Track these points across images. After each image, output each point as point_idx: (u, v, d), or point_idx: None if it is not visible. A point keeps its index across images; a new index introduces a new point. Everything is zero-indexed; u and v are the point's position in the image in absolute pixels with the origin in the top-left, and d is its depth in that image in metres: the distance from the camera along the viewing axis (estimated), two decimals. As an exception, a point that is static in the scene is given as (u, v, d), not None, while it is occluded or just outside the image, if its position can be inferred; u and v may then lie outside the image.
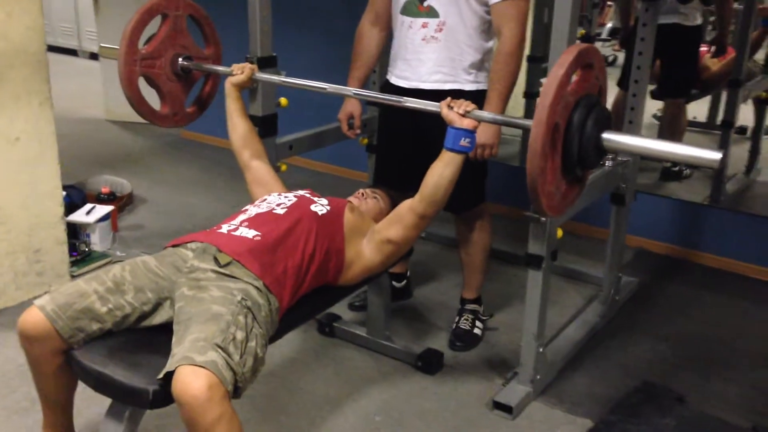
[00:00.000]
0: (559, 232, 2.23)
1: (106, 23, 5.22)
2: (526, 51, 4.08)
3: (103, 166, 4.33)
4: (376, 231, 2.09)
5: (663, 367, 2.58)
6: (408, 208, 2.03)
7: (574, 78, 1.64)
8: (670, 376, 2.50)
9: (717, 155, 1.56)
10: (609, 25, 5.94)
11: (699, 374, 2.54)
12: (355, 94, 2.26)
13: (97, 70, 5.67)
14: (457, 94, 2.38)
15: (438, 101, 2.39)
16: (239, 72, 2.32)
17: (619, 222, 2.80)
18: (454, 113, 1.88)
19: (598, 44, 5.15)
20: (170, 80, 2.38)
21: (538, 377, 2.35)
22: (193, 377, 1.48)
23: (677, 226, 3.54)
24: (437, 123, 2.43)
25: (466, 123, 1.88)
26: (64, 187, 2.96)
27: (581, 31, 3.90)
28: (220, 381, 1.50)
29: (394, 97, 2.12)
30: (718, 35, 4.31)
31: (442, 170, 1.93)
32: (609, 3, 5.51)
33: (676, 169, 4.06)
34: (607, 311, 2.85)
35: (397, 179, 2.53)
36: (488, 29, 2.39)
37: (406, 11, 2.41)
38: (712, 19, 4.38)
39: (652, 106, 4.49)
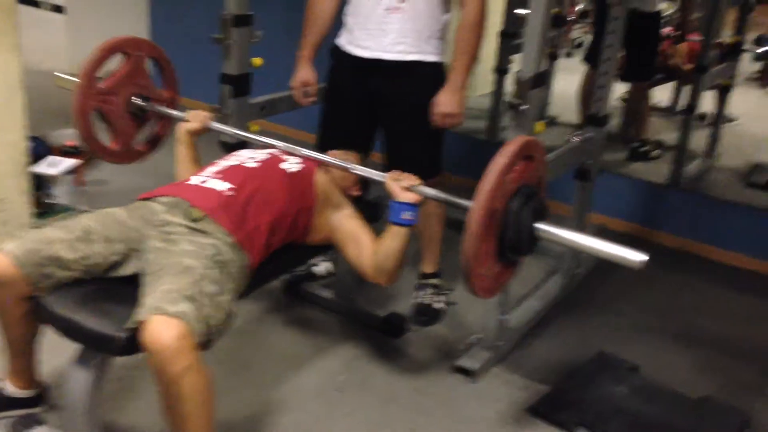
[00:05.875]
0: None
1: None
2: (498, 27, 4.15)
3: (66, 120, 4.22)
4: (344, 234, 2.06)
5: (618, 339, 2.66)
6: (368, 260, 1.98)
7: (516, 167, 1.69)
8: (624, 348, 2.58)
9: (641, 257, 1.64)
10: (580, 6, 6.00)
11: (653, 347, 2.64)
12: (304, 155, 2.13)
13: (60, 23, 5.52)
14: (419, 65, 2.40)
15: (400, 72, 2.40)
16: (194, 119, 2.24)
17: (583, 197, 2.87)
18: (397, 187, 1.87)
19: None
20: (123, 118, 2.37)
21: (499, 343, 2.41)
22: (164, 327, 1.49)
23: (637, 205, 3.63)
24: (388, 90, 2.43)
25: (409, 197, 1.87)
26: (29, 138, 2.90)
27: (555, 9, 3.93)
28: (190, 332, 1.51)
29: (342, 163, 2.07)
30: (679, 21, 4.41)
31: (389, 243, 1.91)
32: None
33: (644, 149, 4.15)
34: (567, 284, 2.93)
35: (341, 144, 2.50)
36: (447, 0, 2.40)
37: None
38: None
39: (619, 89, 4.57)
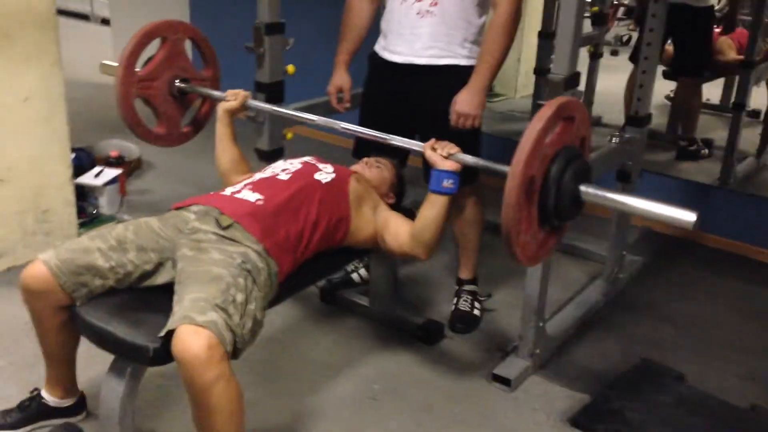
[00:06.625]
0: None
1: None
2: (538, 27, 4.09)
3: (111, 131, 4.32)
4: (382, 226, 2.08)
5: (663, 346, 2.58)
6: (405, 235, 2.01)
7: (556, 130, 1.64)
8: (669, 355, 2.51)
9: (692, 216, 1.58)
10: (625, 1, 5.91)
11: (699, 354, 2.55)
12: (342, 128, 2.16)
13: (109, 35, 5.65)
14: (452, 69, 2.36)
15: (432, 76, 2.38)
16: (233, 98, 2.28)
17: (625, 199, 2.79)
18: (437, 155, 1.87)
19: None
20: (166, 101, 2.40)
21: (538, 351, 2.36)
22: (193, 337, 1.50)
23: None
24: (421, 94, 2.40)
25: (448, 165, 1.87)
26: (73, 150, 2.97)
27: (595, 8, 3.86)
28: (219, 341, 1.52)
29: (381, 135, 2.09)
30: (728, 13, 4.30)
31: (428, 211, 1.91)
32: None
33: (693, 148, 4.04)
34: (609, 289, 2.86)
35: (376, 150, 2.42)
36: (483, 3, 2.35)
37: None
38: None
39: (665, 87, 4.47)
